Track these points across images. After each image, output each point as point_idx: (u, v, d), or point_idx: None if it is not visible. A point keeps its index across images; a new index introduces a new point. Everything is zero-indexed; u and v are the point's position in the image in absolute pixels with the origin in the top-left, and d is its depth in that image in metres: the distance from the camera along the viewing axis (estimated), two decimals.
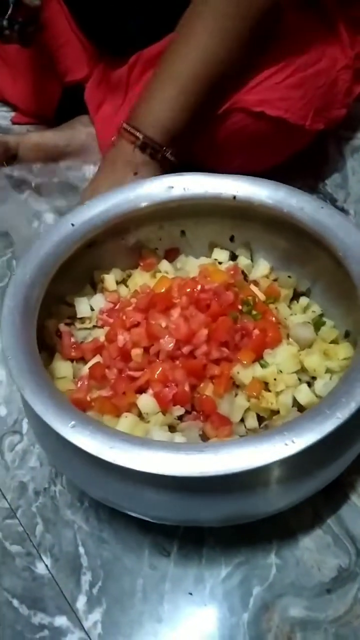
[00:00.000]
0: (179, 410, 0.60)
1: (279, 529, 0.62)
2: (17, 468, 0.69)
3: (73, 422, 0.50)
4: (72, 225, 0.66)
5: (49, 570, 0.62)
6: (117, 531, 0.63)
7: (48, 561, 0.62)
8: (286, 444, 0.48)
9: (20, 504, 0.66)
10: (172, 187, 0.70)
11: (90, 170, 0.96)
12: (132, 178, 0.74)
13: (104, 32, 0.87)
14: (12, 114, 1.09)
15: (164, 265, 0.74)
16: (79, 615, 0.59)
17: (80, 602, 0.60)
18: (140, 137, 0.72)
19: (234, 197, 0.69)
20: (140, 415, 0.61)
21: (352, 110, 0.93)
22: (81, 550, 0.62)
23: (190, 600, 0.59)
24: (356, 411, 0.50)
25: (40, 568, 0.62)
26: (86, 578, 0.61)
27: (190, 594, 0.59)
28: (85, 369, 0.65)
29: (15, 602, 0.60)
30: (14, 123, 1.07)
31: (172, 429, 0.61)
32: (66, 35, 0.93)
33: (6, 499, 0.67)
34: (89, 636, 0.58)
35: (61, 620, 0.59)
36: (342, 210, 0.90)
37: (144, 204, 0.70)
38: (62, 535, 0.63)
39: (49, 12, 0.92)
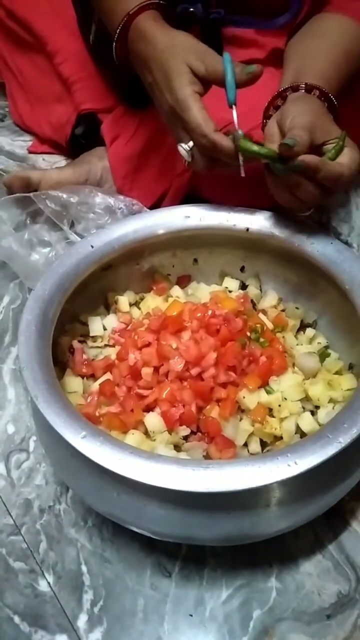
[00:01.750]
0: (184, 431, 0.62)
1: (279, 553, 0.62)
2: (22, 485, 0.70)
3: (84, 433, 0.52)
4: (92, 247, 0.69)
5: (51, 587, 0.62)
6: (120, 550, 0.64)
7: (51, 578, 0.62)
8: (289, 465, 0.50)
9: (25, 521, 0.67)
10: (189, 217, 0.73)
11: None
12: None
13: (124, 86, 0.92)
14: (29, 143, 1.14)
15: (176, 290, 0.77)
16: (79, 634, 0.59)
17: (81, 621, 0.60)
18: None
19: (247, 230, 0.72)
20: (146, 433, 0.62)
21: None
22: (84, 568, 0.63)
23: (190, 621, 0.59)
24: (357, 437, 0.52)
25: (43, 585, 0.62)
26: (88, 597, 0.61)
27: (191, 615, 0.59)
28: (95, 385, 0.67)
29: (17, 619, 0.60)
30: (30, 152, 1.13)
31: (177, 448, 0.62)
32: (90, 69, 0.98)
33: (11, 516, 0.67)
34: None
35: (61, 639, 0.59)
36: (346, 243, 0.93)
37: (160, 231, 0.73)
38: (65, 553, 0.64)
39: (77, 46, 0.97)
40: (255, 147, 0.64)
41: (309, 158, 0.62)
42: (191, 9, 0.80)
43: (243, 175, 0.66)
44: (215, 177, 0.85)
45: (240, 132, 0.65)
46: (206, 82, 0.68)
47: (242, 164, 0.66)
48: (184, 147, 0.68)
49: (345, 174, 0.64)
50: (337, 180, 0.64)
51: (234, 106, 0.66)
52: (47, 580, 0.62)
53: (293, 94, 0.71)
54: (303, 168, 0.62)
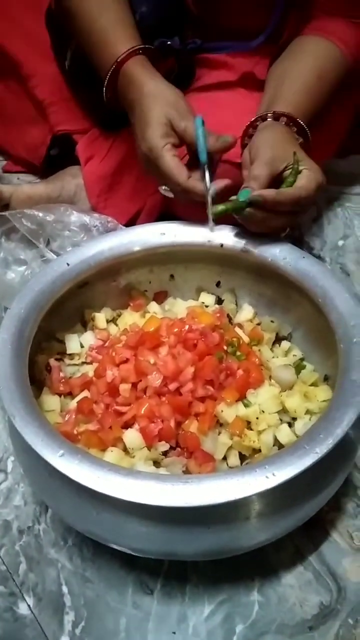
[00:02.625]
0: (163, 446, 0.62)
1: (261, 566, 0.62)
2: (1, 507, 0.69)
3: (62, 452, 0.52)
4: (68, 264, 0.69)
5: (31, 610, 0.61)
6: (101, 569, 0.63)
7: (31, 601, 0.61)
8: (267, 477, 0.50)
9: (3, 542, 0.66)
10: (164, 234, 0.74)
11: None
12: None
13: (98, 111, 0.94)
14: (3, 163, 1.14)
15: (153, 306, 0.78)
16: None
17: None
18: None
19: (222, 245, 0.73)
20: (125, 449, 0.62)
21: (324, 165, 1.00)
22: (64, 589, 0.62)
23: (173, 639, 0.59)
24: (333, 447, 0.52)
25: (23, 608, 0.61)
26: (69, 618, 0.60)
27: (174, 632, 0.59)
28: (73, 403, 0.67)
29: None
30: (4, 171, 1.13)
31: (156, 464, 0.62)
32: (64, 92, 0.99)
33: None
34: None
35: None
36: (319, 257, 0.95)
37: (136, 248, 0.74)
38: (45, 574, 0.63)
39: (51, 70, 0.98)
40: (221, 207, 0.69)
41: (265, 192, 0.66)
42: (169, 42, 0.83)
43: (213, 232, 0.73)
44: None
45: (212, 189, 0.69)
46: (181, 138, 0.72)
47: (212, 220, 0.71)
48: (164, 188, 0.73)
49: (303, 195, 0.68)
50: (296, 204, 0.68)
51: (205, 166, 0.70)
52: (27, 602, 0.61)
53: (262, 123, 0.75)
54: (261, 203, 0.66)
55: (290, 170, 0.69)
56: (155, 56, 0.77)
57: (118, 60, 0.74)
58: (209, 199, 0.69)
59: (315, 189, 0.69)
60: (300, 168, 0.69)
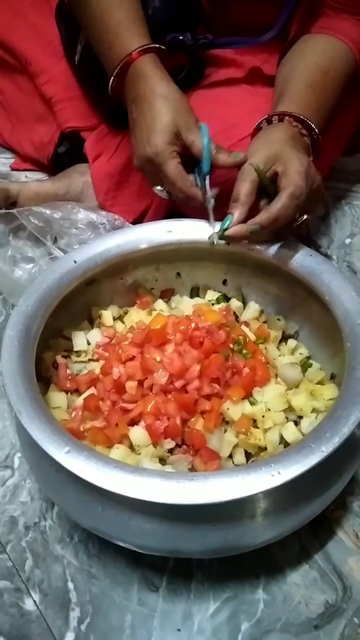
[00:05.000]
0: (169, 444, 0.62)
1: (266, 564, 0.62)
2: (7, 503, 0.69)
3: (68, 448, 0.52)
4: (75, 262, 0.70)
5: (37, 606, 0.61)
6: (106, 566, 0.63)
7: (37, 597, 0.62)
8: (273, 475, 0.50)
9: (10, 538, 0.66)
10: (171, 231, 0.74)
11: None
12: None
13: (107, 107, 0.94)
14: (11, 160, 1.15)
15: (160, 304, 0.77)
16: None
17: (68, 639, 0.59)
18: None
19: (228, 243, 0.73)
20: (131, 447, 0.62)
21: (333, 163, 0.99)
22: (70, 585, 0.62)
23: (178, 636, 0.59)
24: (340, 446, 0.52)
25: (29, 604, 0.62)
26: (75, 614, 0.61)
27: (179, 630, 0.59)
28: (79, 400, 0.67)
29: None
30: (12, 169, 1.13)
31: (162, 461, 0.62)
32: (73, 89, 0.99)
33: None
34: None
35: None
36: (326, 256, 0.95)
37: (143, 246, 0.74)
38: (51, 570, 0.63)
39: (60, 67, 0.99)
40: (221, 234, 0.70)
41: (258, 219, 0.67)
42: (180, 37, 0.83)
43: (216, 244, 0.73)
44: None
45: (212, 201, 0.71)
46: (187, 148, 0.72)
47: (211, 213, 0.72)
48: (159, 189, 0.74)
49: (282, 216, 0.66)
50: (292, 208, 0.66)
51: (207, 176, 0.71)
52: (33, 598, 0.62)
53: (267, 126, 0.75)
54: (259, 230, 0.68)
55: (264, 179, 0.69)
56: (165, 57, 0.77)
57: (132, 53, 0.73)
58: (210, 209, 0.71)
59: (300, 176, 0.66)
60: (277, 169, 0.68)
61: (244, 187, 0.68)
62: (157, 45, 0.75)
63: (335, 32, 0.81)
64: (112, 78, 0.76)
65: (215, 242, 0.72)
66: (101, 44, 0.78)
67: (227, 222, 0.69)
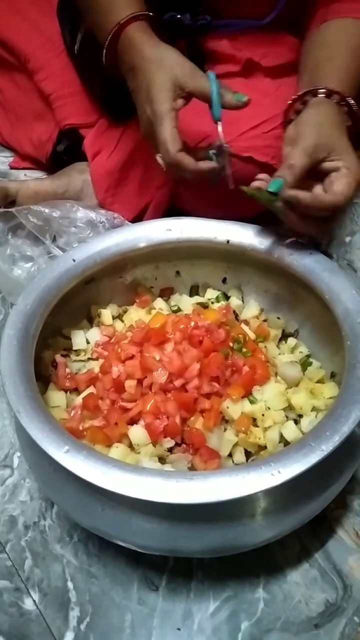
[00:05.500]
0: (169, 442, 0.62)
1: (266, 563, 0.62)
2: (7, 502, 0.69)
3: (67, 447, 0.52)
4: (74, 260, 0.69)
5: (36, 605, 0.61)
6: (106, 565, 0.63)
7: (36, 596, 0.62)
8: (272, 474, 0.50)
9: (9, 538, 0.66)
10: (170, 230, 0.74)
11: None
12: None
13: (107, 100, 0.94)
14: (10, 159, 1.14)
15: (159, 302, 0.77)
16: None
17: (68, 639, 0.59)
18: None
19: (228, 242, 0.73)
20: (131, 446, 0.62)
21: None
22: (70, 585, 0.62)
23: (178, 635, 0.59)
24: (339, 445, 0.52)
25: (28, 604, 0.61)
26: (74, 613, 0.60)
27: (179, 629, 0.59)
28: (78, 399, 0.67)
29: (1, 639, 0.59)
30: (11, 168, 1.13)
31: (161, 460, 0.62)
32: (75, 86, 0.99)
33: None
34: None
35: None
36: (326, 254, 0.94)
37: (142, 244, 0.74)
38: (50, 569, 0.63)
39: (59, 63, 0.98)
40: (251, 191, 0.67)
41: (301, 195, 0.64)
42: (178, 16, 0.82)
43: (232, 186, 0.69)
44: (197, 191, 0.87)
45: (226, 145, 0.68)
46: (189, 98, 0.69)
47: (229, 175, 0.69)
48: (160, 156, 0.70)
49: (339, 203, 0.64)
50: (331, 211, 0.65)
51: (219, 122, 0.69)
52: (32, 598, 0.62)
53: (313, 99, 0.71)
54: (294, 204, 0.64)
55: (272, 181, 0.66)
56: (157, 26, 0.75)
57: (120, 22, 0.72)
58: (225, 161, 0.69)
59: (350, 189, 0.65)
60: (339, 165, 0.65)
61: (300, 161, 0.65)
62: (146, 13, 0.73)
63: (353, 13, 0.79)
64: (105, 50, 0.75)
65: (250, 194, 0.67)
66: (97, 20, 0.77)
67: (276, 184, 0.64)
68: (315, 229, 0.68)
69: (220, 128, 0.69)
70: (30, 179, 1.02)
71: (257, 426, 0.64)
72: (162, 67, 0.69)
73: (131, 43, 0.72)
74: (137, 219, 0.93)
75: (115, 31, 0.73)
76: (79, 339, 0.73)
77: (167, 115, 0.67)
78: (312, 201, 0.64)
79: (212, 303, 0.77)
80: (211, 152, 0.69)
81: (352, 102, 0.71)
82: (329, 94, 0.71)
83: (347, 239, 1.00)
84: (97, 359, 0.71)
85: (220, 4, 0.87)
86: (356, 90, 0.75)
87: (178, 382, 0.64)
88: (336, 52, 0.78)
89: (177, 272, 0.79)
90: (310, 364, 0.72)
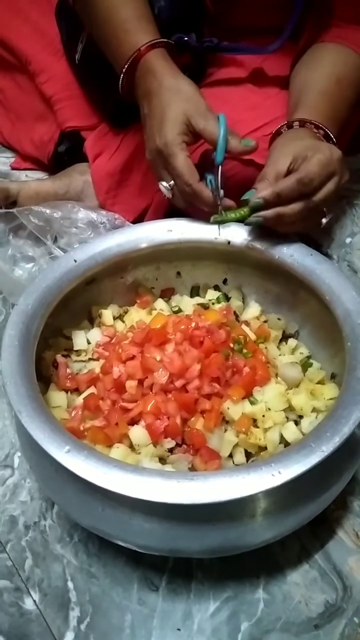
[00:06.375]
0: (169, 443, 0.62)
1: (266, 564, 0.62)
2: (7, 502, 0.69)
3: (68, 448, 0.52)
4: (75, 261, 0.69)
5: (37, 605, 0.61)
6: (106, 565, 0.63)
7: (36, 596, 0.62)
8: (273, 475, 0.50)
9: (10, 538, 0.66)
10: (171, 231, 0.74)
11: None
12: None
13: (108, 105, 0.94)
14: (12, 160, 1.15)
15: (160, 303, 0.77)
16: None
17: (68, 639, 0.59)
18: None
19: (229, 243, 0.73)
20: (131, 446, 0.62)
21: None
22: (70, 585, 0.62)
23: (178, 636, 0.59)
24: (340, 445, 0.52)
25: (28, 603, 0.62)
26: (74, 613, 0.61)
27: (179, 629, 0.59)
28: (79, 400, 0.67)
29: (1, 639, 0.59)
30: (12, 168, 1.13)
31: (162, 460, 0.62)
32: (73, 88, 0.99)
33: None
34: None
35: None
36: (326, 255, 0.95)
37: (143, 245, 0.74)
38: (51, 569, 0.63)
39: (60, 66, 0.98)
40: (232, 215, 0.71)
41: (263, 192, 0.67)
42: (185, 38, 0.83)
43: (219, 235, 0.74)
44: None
45: (221, 192, 0.70)
46: (197, 136, 0.71)
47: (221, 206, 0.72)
48: (165, 185, 0.73)
49: (304, 176, 0.66)
50: (302, 186, 0.66)
51: (220, 166, 0.70)
52: (32, 598, 0.62)
53: (288, 130, 0.76)
54: (262, 204, 0.67)
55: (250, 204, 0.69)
56: (173, 53, 0.77)
57: (140, 49, 0.73)
58: (219, 199, 0.70)
59: (319, 165, 0.66)
60: (309, 154, 0.67)
61: (270, 170, 0.68)
62: (166, 40, 0.75)
63: (347, 41, 0.82)
64: (122, 75, 0.76)
65: (216, 222, 0.71)
66: (109, 42, 0.78)
67: (250, 194, 0.68)
68: (302, 210, 0.68)
69: (219, 172, 0.70)
70: (31, 180, 1.02)
71: (257, 427, 0.64)
72: (179, 98, 0.71)
73: (151, 70, 0.73)
74: (138, 220, 0.93)
75: (135, 57, 0.74)
76: (80, 339, 0.73)
77: (179, 146, 0.69)
78: (274, 187, 0.66)
79: (213, 304, 0.77)
80: (209, 178, 0.71)
81: (328, 130, 0.74)
82: (303, 124, 0.75)
83: (348, 240, 1.00)
84: (98, 359, 0.71)
85: (226, 24, 0.88)
86: (336, 120, 0.78)
87: (179, 383, 0.64)
88: (323, 79, 0.81)
89: (178, 273, 0.80)
90: (311, 365, 0.72)
